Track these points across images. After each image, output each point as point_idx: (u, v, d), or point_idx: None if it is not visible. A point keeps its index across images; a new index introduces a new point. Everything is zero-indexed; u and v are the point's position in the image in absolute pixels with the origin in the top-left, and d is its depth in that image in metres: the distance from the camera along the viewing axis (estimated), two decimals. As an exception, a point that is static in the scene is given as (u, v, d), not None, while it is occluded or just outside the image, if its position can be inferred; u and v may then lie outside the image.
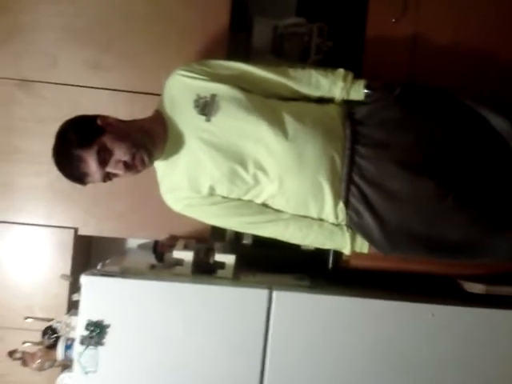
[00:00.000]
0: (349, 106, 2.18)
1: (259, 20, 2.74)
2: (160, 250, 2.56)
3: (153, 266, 2.48)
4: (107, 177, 2.04)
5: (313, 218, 2.14)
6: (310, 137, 2.05)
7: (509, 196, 2.07)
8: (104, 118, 2.06)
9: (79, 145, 1.97)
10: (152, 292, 2.21)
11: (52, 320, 2.45)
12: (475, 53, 2.52)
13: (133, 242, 3.04)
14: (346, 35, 2.70)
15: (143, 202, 2.59)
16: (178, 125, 2.10)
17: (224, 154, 2.06)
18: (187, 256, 2.35)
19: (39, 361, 2.36)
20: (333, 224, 2.14)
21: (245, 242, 2.61)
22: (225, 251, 2.43)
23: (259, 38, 2.72)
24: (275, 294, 2.20)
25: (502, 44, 2.53)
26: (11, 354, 2.40)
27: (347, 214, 2.08)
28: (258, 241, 2.42)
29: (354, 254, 2.17)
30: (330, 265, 2.47)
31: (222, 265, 2.36)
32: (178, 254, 2.36)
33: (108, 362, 2.18)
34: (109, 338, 2.17)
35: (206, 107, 2.07)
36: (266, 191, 2.10)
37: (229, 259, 2.35)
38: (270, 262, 2.66)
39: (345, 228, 2.13)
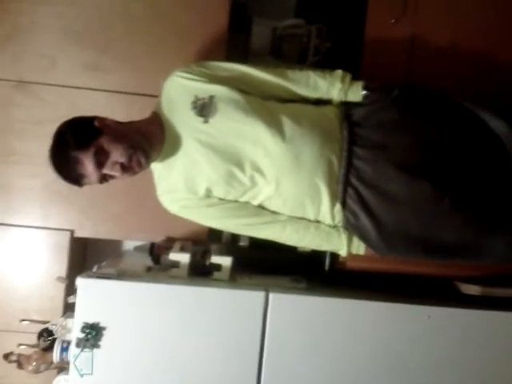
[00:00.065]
0: (346, 107, 2.18)
1: (258, 21, 2.74)
2: (156, 252, 2.57)
3: (149, 268, 2.47)
4: (104, 178, 2.03)
5: (310, 220, 2.14)
6: (307, 138, 2.04)
7: (505, 198, 2.06)
8: (101, 119, 2.06)
9: (76, 146, 1.97)
10: (148, 294, 2.20)
11: (48, 322, 2.44)
12: (473, 54, 2.51)
13: (129, 244, 3.04)
14: (345, 36, 2.70)
15: (140, 204, 2.59)
16: (175, 126, 2.10)
17: (221, 156, 2.05)
18: (184, 258, 2.34)
19: (35, 363, 2.36)
20: (329, 226, 2.14)
21: (241, 244, 2.61)
22: (221, 253, 2.43)
23: (258, 39, 2.72)
24: (272, 296, 2.20)
25: (501, 46, 2.53)
26: (7, 356, 2.40)
27: (344, 215, 2.08)
28: (255, 243, 2.42)
29: (351, 255, 2.16)
30: (327, 267, 2.47)
31: (218, 267, 2.36)
32: (174, 256, 2.36)
33: (104, 365, 2.18)
34: (105, 340, 2.17)
35: (203, 109, 2.07)
36: (263, 193, 2.10)
37: (225, 261, 2.35)
38: (266, 264, 2.66)
39: (341, 230, 2.13)
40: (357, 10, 2.59)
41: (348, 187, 2.05)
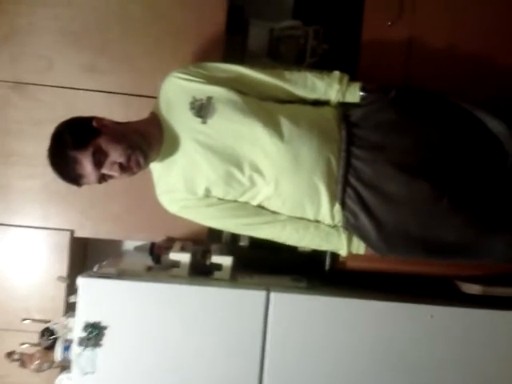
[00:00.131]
0: (344, 108, 2.19)
1: (255, 23, 2.74)
2: (157, 251, 2.56)
3: (149, 268, 2.48)
4: (103, 178, 2.04)
5: (309, 220, 2.15)
6: (305, 139, 2.05)
7: (504, 197, 2.07)
8: (99, 119, 2.07)
9: (74, 146, 1.97)
10: (149, 294, 2.21)
11: (49, 322, 2.44)
12: (471, 56, 2.53)
13: (129, 244, 3.05)
14: (342, 38, 2.71)
15: (140, 204, 2.60)
16: (173, 127, 2.10)
17: (220, 156, 2.06)
18: (184, 258, 2.35)
19: (37, 362, 2.36)
20: (329, 225, 2.15)
21: (241, 243, 2.61)
22: (221, 253, 2.44)
23: (255, 41, 2.72)
24: (273, 295, 2.21)
25: (498, 47, 2.54)
26: (9, 355, 2.40)
27: (343, 215, 2.09)
28: (255, 242, 2.43)
29: (351, 255, 2.17)
30: (327, 266, 2.47)
31: (218, 266, 2.36)
32: (174, 255, 2.37)
33: (106, 363, 2.19)
34: (106, 339, 2.18)
35: (201, 109, 2.07)
36: (262, 193, 2.11)
37: (226, 261, 2.36)
38: (266, 263, 2.67)
39: (341, 229, 2.14)
40: (354, 12, 2.60)
41: (347, 187, 2.06)
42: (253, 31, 2.73)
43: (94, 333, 2.18)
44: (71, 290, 2.44)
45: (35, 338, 2.45)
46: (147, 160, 2.07)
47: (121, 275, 2.27)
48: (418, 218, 2.06)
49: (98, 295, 2.21)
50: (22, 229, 2.65)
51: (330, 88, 2.20)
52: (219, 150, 2.07)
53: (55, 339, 2.36)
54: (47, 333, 2.41)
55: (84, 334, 2.18)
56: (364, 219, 2.07)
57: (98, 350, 2.18)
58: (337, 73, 2.21)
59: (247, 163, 2.07)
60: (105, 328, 2.18)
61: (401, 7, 2.53)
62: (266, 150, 2.05)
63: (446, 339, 2.23)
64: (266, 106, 2.13)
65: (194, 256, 2.38)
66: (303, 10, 2.90)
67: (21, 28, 2.56)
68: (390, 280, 2.38)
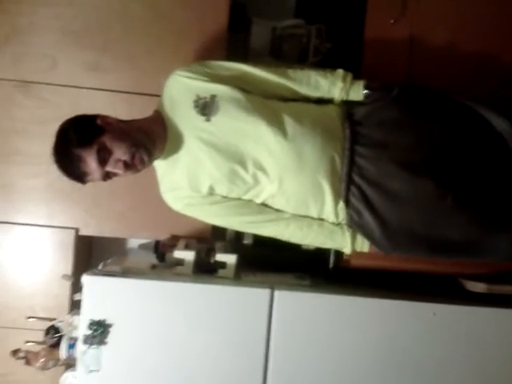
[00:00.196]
0: (348, 106, 2.19)
1: (258, 21, 2.74)
2: (161, 249, 2.57)
3: (154, 266, 2.48)
4: (107, 176, 2.05)
5: (313, 218, 2.15)
6: (309, 137, 2.06)
7: (508, 196, 2.08)
8: (104, 117, 2.08)
9: (79, 144, 1.98)
10: (154, 292, 2.22)
11: (54, 319, 2.45)
12: (473, 54, 2.52)
13: (134, 242, 3.05)
14: (345, 36, 2.71)
15: (144, 202, 2.60)
16: (177, 125, 2.11)
17: (224, 154, 2.07)
18: (188, 256, 2.36)
19: (42, 360, 2.37)
20: (333, 223, 2.15)
21: (245, 241, 2.61)
22: (225, 251, 2.44)
23: (257, 40, 2.72)
24: (277, 293, 2.21)
25: (500, 45, 2.53)
26: (14, 353, 2.41)
27: (347, 213, 2.09)
28: (259, 240, 2.43)
29: (355, 253, 2.17)
30: (331, 264, 2.47)
31: (223, 264, 2.37)
32: (179, 253, 2.37)
33: (111, 361, 2.19)
34: (111, 337, 2.19)
35: (205, 107, 2.08)
36: (266, 191, 2.11)
37: (230, 259, 2.36)
38: (270, 261, 2.67)
39: (345, 227, 2.14)
40: (356, 10, 2.60)
41: (351, 185, 2.06)
42: (255, 30, 2.73)
43: (99, 331, 2.18)
44: (76, 288, 2.44)
45: (40, 336, 2.45)
46: (151, 158, 2.07)
47: (125, 273, 2.27)
48: (422, 216, 2.06)
49: (102, 293, 2.21)
50: (27, 227, 2.65)
51: (333, 86, 2.20)
52: (223, 148, 2.07)
53: (60, 337, 2.37)
54: (52, 331, 2.41)
55: (89, 332, 2.18)
56: (368, 217, 2.07)
57: (102, 347, 2.18)
58: (340, 71, 2.22)
59: (251, 161, 2.07)
60: (110, 326, 2.19)
61: (403, 5, 2.53)
62: (270, 148, 2.06)
63: (449, 337, 2.23)
64: (270, 105, 2.14)
65: (198, 254, 2.38)
66: (306, 9, 2.90)
67: (22, 27, 2.57)
68: (393, 278, 2.39)
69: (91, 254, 3.05)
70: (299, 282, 2.40)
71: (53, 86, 2.60)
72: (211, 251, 2.43)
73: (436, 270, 2.32)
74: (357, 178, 2.06)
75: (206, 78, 2.12)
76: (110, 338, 2.19)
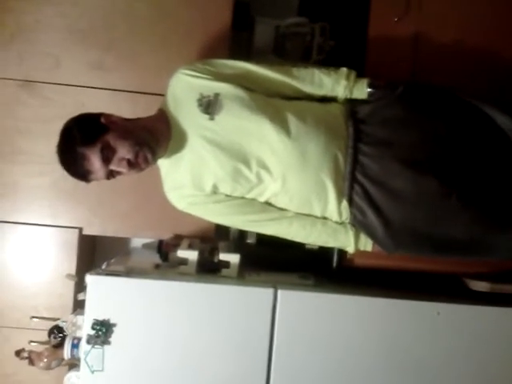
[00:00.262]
0: (351, 104, 2.18)
1: (261, 20, 2.74)
2: (164, 249, 2.56)
3: (157, 266, 2.47)
4: (111, 174, 2.05)
5: (316, 217, 2.15)
6: (312, 135, 2.05)
7: (512, 194, 2.08)
8: (108, 116, 2.08)
9: (83, 142, 1.98)
10: (157, 291, 2.21)
11: (58, 319, 2.45)
12: (478, 52, 2.52)
13: (137, 242, 3.05)
14: (348, 35, 2.70)
15: (147, 202, 2.60)
16: (181, 123, 2.11)
17: (227, 153, 2.07)
18: (192, 255, 2.35)
19: (46, 360, 2.36)
20: (336, 222, 2.15)
21: (249, 241, 2.60)
22: (229, 250, 2.43)
23: (261, 38, 2.73)
24: (280, 292, 2.20)
25: (505, 42, 2.53)
26: (18, 353, 2.40)
27: (351, 212, 2.09)
28: (262, 240, 2.43)
29: (358, 252, 2.17)
30: (335, 263, 2.46)
31: (226, 264, 2.36)
32: (182, 253, 2.36)
33: (114, 361, 2.19)
34: (115, 336, 2.18)
35: (209, 106, 2.08)
36: (269, 190, 2.11)
37: (233, 258, 2.35)
38: (274, 261, 2.66)
39: (348, 226, 2.14)
40: (360, 8, 2.59)
41: (354, 184, 2.06)
42: (259, 28, 2.73)
43: (103, 330, 2.17)
44: (80, 287, 2.44)
45: (44, 336, 2.45)
46: (155, 156, 2.07)
47: (129, 273, 2.27)
48: (426, 215, 2.06)
49: (106, 293, 2.21)
50: (31, 227, 2.65)
51: (337, 84, 2.19)
52: (227, 147, 2.07)
53: (64, 337, 2.36)
54: (56, 331, 2.41)
55: (92, 332, 2.17)
56: (371, 216, 2.07)
57: (106, 347, 2.18)
58: (344, 69, 2.21)
59: (254, 160, 2.07)
60: (113, 326, 2.18)
61: (407, 3, 2.53)
62: (273, 146, 2.05)
63: (452, 336, 2.23)
64: (273, 103, 2.14)
65: (201, 253, 2.38)
66: (309, 7, 2.89)
67: (27, 26, 2.57)
68: (397, 277, 2.38)
69: (95, 254, 3.05)
70: (302, 281, 2.39)
71: (57, 85, 2.60)
72: (215, 250, 2.43)
73: (439, 269, 2.32)
74: (360, 177, 2.06)
75: (209, 77, 2.12)
76: (113, 338, 2.18)
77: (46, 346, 2.40)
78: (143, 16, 2.59)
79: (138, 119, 2.16)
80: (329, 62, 2.60)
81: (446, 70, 2.50)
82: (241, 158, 2.07)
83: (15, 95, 2.59)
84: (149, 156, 2.03)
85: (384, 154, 2.06)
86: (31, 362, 2.39)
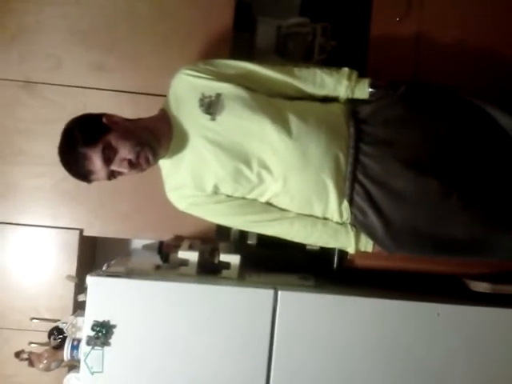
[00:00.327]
0: (353, 104, 2.18)
1: (263, 20, 2.74)
2: (165, 250, 2.55)
3: (158, 267, 2.47)
4: (112, 175, 2.05)
5: (317, 217, 2.14)
6: (313, 135, 2.05)
7: (514, 195, 2.07)
8: (109, 116, 2.07)
9: (84, 143, 1.98)
10: (157, 292, 2.21)
11: (58, 321, 2.44)
12: (480, 51, 2.51)
13: (137, 243, 3.04)
14: (350, 35, 2.70)
15: (148, 203, 2.60)
16: (183, 123, 2.11)
17: (229, 153, 2.06)
18: (192, 256, 2.35)
19: (46, 361, 2.37)
20: (337, 223, 2.14)
21: (249, 242, 2.60)
22: (229, 251, 2.43)
23: (263, 38, 2.73)
24: (280, 293, 2.20)
25: (507, 42, 2.52)
26: (18, 354, 2.41)
27: (352, 212, 2.09)
28: (263, 241, 2.43)
29: (359, 253, 2.17)
30: (335, 264, 2.46)
31: (227, 265, 2.35)
32: (183, 254, 2.36)
33: (114, 363, 2.18)
34: (115, 338, 2.18)
35: (210, 106, 2.07)
36: (270, 190, 2.11)
37: (234, 259, 2.35)
38: (274, 261, 2.66)
39: (349, 227, 2.13)
40: (362, 8, 2.59)
41: (355, 184, 2.05)
42: (260, 28, 2.73)
43: (103, 332, 2.17)
44: (80, 289, 2.44)
45: (44, 338, 2.45)
46: (156, 157, 2.07)
47: (129, 274, 2.27)
48: (427, 215, 2.06)
49: (106, 294, 2.20)
50: (31, 228, 2.65)
51: (339, 84, 2.19)
52: (228, 147, 2.07)
53: (64, 338, 2.36)
54: (56, 332, 2.41)
55: (92, 333, 2.17)
56: (372, 216, 2.06)
57: (106, 349, 2.18)
58: (346, 69, 2.21)
59: (255, 160, 2.07)
60: (113, 327, 2.18)
61: (409, 3, 2.52)
62: (275, 146, 2.05)
63: (453, 337, 2.22)
64: (275, 103, 2.13)
65: (202, 254, 2.38)
66: (311, 7, 2.89)
67: (29, 26, 2.57)
68: (397, 278, 2.38)
69: (95, 255, 3.05)
70: (303, 282, 2.39)
71: (57, 86, 2.60)
72: (215, 251, 2.43)
73: (440, 269, 2.31)
74: (361, 177, 2.06)
75: (211, 77, 2.12)
76: (113, 339, 2.18)
77: (46, 348, 2.41)
78: (145, 16, 2.59)
79: (140, 119, 2.15)
80: (330, 61, 2.61)
81: (447, 70, 2.49)
82: (242, 158, 2.07)
83: (16, 96, 2.59)
84: (150, 156, 2.03)
85: (385, 154, 2.05)
86: (31, 364, 2.40)
